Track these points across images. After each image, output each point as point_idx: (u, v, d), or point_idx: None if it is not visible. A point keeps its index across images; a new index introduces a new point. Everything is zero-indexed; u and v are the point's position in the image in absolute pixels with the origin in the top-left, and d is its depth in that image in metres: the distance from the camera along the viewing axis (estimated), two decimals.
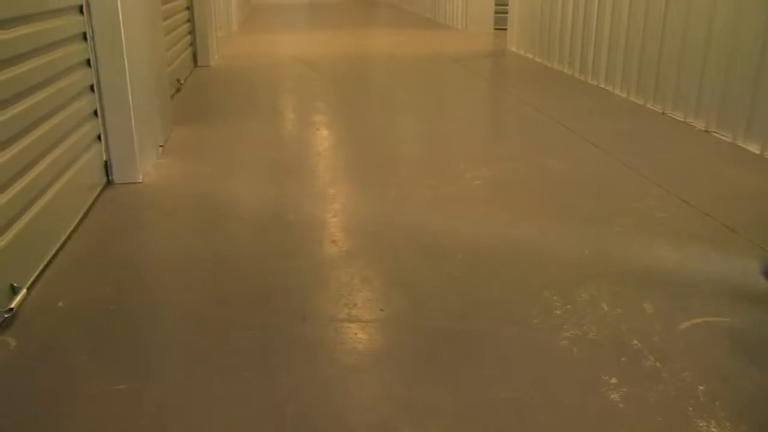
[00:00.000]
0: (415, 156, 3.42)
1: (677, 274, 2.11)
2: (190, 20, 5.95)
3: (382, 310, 1.92)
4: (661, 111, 4.24)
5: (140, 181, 2.95)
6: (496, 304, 1.95)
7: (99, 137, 2.87)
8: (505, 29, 7.62)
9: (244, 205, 2.75)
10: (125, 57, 2.79)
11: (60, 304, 1.97)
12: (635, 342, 1.74)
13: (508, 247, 2.31)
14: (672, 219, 2.55)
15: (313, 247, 2.34)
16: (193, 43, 6.05)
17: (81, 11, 2.70)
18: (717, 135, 3.66)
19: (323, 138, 3.71)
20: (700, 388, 1.56)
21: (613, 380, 1.59)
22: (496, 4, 9.03)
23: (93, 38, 2.74)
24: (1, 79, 1.99)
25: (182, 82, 5.20)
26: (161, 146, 3.43)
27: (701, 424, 1.44)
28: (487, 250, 2.30)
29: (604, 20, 5.11)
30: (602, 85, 5.14)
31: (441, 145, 3.62)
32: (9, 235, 1.97)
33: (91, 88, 2.80)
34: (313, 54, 7.07)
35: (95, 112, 2.83)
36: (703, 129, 3.78)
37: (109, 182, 2.94)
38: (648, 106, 4.40)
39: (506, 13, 7.74)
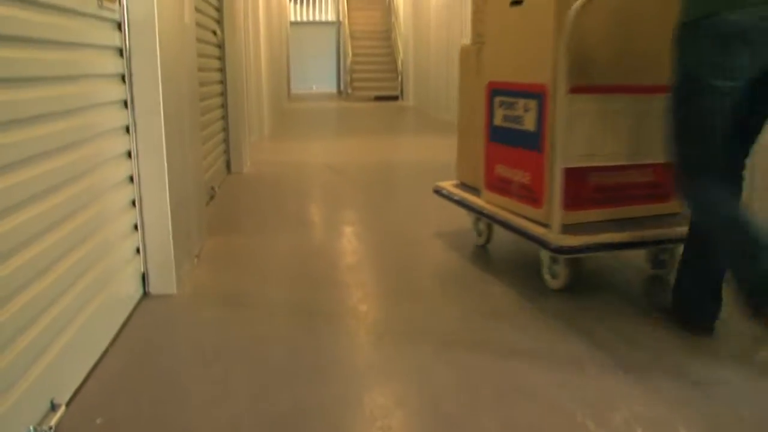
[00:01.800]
0: (446, 268, 3.46)
1: None
2: (225, 129, 6.18)
3: None
4: None
5: (175, 292, 3.01)
6: (530, 428, 1.95)
7: (138, 250, 2.96)
8: None
9: (277, 320, 2.79)
10: (166, 174, 2.91)
11: (98, 421, 2.00)
12: None
13: (543, 368, 2.32)
14: None
15: (348, 367, 2.36)
16: (227, 151, 6.26)
17: (127, 131, 2.84)
18: None
19: (353, 250, 3.78)
20: None
21: None
22: None
23: (137, 157, 2.87)
24: (55, 203, 2.10)
25: (216, 189, 5.36)
26: (196, 256, 3.52)
27: None
28: (518, 369, 2.30)
29: None
30: None
31: (468, 255, 3.67)
32: (53, 351, 2.02)
33: (133, 203, 2.91)
34: (341, 161, 7.26)
35: (135, 227, 2.93)
36: None
37: (146, 294, 3.01)
38: None
39: None
